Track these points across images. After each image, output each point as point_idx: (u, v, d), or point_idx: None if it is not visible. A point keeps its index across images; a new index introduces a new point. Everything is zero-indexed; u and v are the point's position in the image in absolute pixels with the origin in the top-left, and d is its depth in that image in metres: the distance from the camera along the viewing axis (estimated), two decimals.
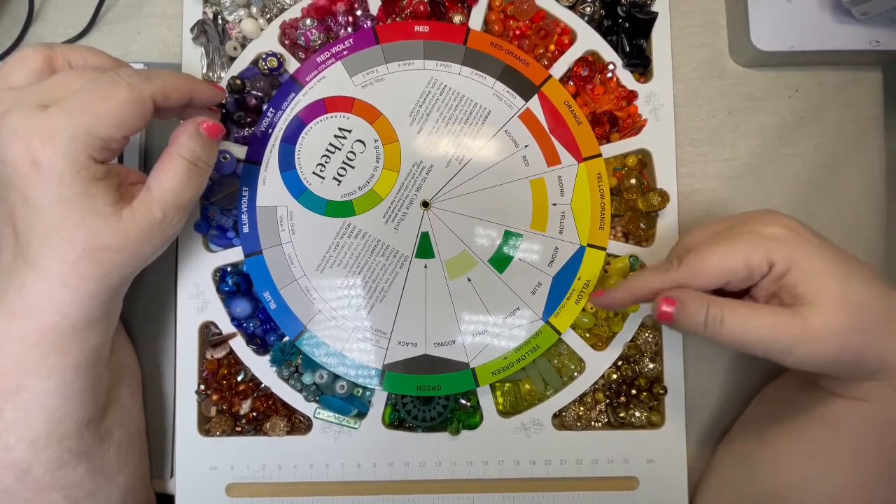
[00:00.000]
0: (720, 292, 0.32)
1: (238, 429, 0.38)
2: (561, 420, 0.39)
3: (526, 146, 0.39)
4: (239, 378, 0.39)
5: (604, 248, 0.39)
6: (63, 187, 0.27)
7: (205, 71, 0.40)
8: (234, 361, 0.39)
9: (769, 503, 0.34)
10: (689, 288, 0.31)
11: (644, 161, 0.40)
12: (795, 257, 0.30)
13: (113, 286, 0.31)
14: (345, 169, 0.38)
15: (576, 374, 0.39)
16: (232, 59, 0.39)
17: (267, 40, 0.39)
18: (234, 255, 0.38)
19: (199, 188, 0.32)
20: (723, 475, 0.38)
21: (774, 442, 0.35)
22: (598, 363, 0.39)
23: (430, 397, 0.38)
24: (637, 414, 0.39)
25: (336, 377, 0.38)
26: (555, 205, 0.39)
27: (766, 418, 0.36)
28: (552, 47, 0.40)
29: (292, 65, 0.39)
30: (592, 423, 0.39)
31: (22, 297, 0.29)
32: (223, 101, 0.37)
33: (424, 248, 0.38)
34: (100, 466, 0.33)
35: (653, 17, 0.40)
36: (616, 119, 0.40)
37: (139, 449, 0.37)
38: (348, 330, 0.38)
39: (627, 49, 0.40)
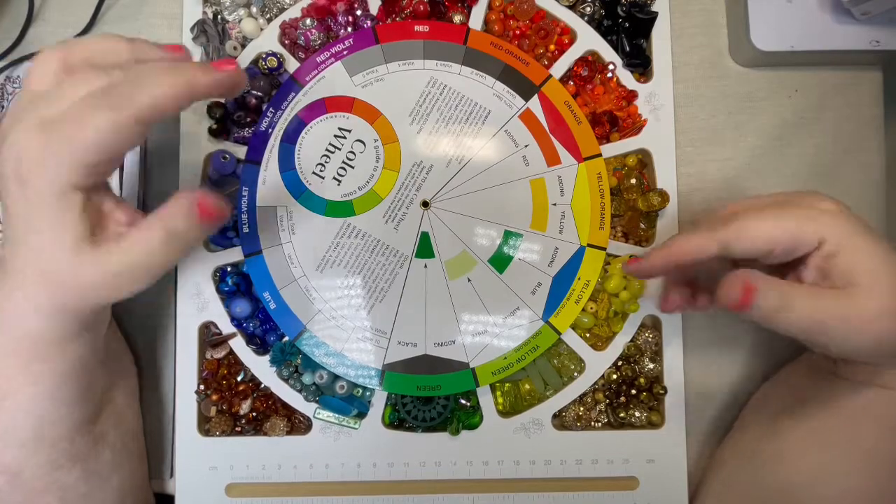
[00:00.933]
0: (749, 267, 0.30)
1: (238, 429, 0.38)
2: (561, 420, 0.39)
3: (526, 146, 0.39)
4: (239, 378, 0.39)
5: (604, 248, 0.38)
6: (37, 209, 0.27)
7: None
8: (233, 361, 0.39)
9: (779, 502, 0.34)
10: (730, 251, 0.29)
11: (644, 161, 0.40)
12: (847, 236, 0.29)
13: (74, 311, 0.29)
14: (345, 169, 0.38)
15: (576, 374, 0.39)
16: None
17: (267, 40, 0.39)
18: (234, 255, 0.38)
19: (173, 261, 0.29)
20: (726, 473, 0.37)
21: (783, 435, 0.34)
22: (598, 363, 0.39)
23: (430, 397, 0.38)
24: (637, 414, 0.39)
25: (336, 377, 0.38)
26: (555, 205, 0.39)
27: (774, 410, 0.36)
28: (552, 47, 0.40)
29: (292, 64, 0.39)
30: (592, 423, 0.39)
31: (0, 306, 0.29)
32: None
33: (424, 248, 0.38)
34: (94, 469, 0.33)
35: (653, 17, 0.40)
36: (616, 119, 0.40)
37: (135, 450, 0.37)
38: (348, 330, 0.38)
39: (627, 49, 0.40)
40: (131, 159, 0.39)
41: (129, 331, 0.39)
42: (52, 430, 0.31)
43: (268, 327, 0.38)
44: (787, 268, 0.31)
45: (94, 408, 0.33)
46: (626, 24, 0.40)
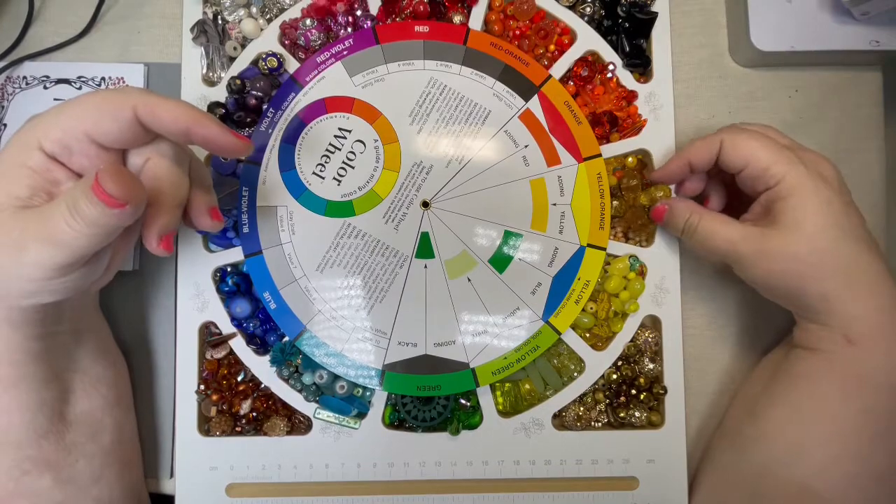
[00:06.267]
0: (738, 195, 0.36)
1: (238, 429, 0.38)
2: (561, 420, 0.39)
3: (526, 146, 0.39)
4: (239, 378, 0.39)
5: (604, 248, 0.38)
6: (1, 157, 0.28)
7: (204, 71, 0.40)
8: (234, 361, 0.39)
9: (761, 484, 0.34)
10: (724, 155, 0.34)
11: (644, 161, 0.40)
12: (804, 188, 0.32)
13: (9, 306, 0.28)
14: (345, 169, 0.38)
15: (576, 374, 0.39)
16: (232, 59, 0.39)
17: (267, 40, 0.39)
18: (234, 255, 0.38)
19: (83, 239, 0.27)
20: (716, 460, 0.38)
21: (762, 415, 0.35)
22: (598, 363, 0.39)
23: (430, 397, 0.38)
24: (637, 414, 0.39)
25: (336, 377, 0.38)
26: (555, 205, 0.39)
27: (754, 393, 0.37)
28: (552, 47, 0.40)
29: (292, 65, 0.39)
30: (592, 423, 0.39)
31: None
32: (244, 156, 0.32)
33: (424, 249, 0.38)
34: (68, 477, 0.33)
35: (653, 17, 0.40)
36: (616, 119, 0.40)
37: (120, 460, 0.36)
38: (348, 330, 0.38)
39: (627, 49, 0.40)
40: None
41: (129, 331, 0.39)
42: (11, 435, 0.31)
43: (268, 327, 0.38)
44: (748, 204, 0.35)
45: (56, 416, 0.32)
46: (626, 25, 0.40)
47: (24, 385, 0.30)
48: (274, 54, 0.39)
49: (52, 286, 0.28)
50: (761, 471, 0.34)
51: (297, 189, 0.38)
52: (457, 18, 0.40)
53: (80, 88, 0.40)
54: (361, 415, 0.38)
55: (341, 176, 0.38)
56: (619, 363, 0.39)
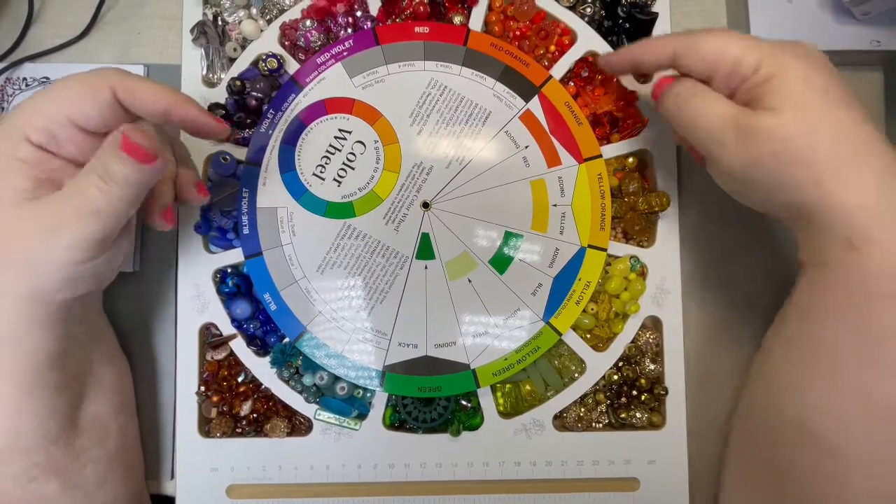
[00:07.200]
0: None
1: (238, 430, 0.38)
2: (562, 421, 0.39)
3: (526, 147, 0.39)
4: (239, 379, 0.39)
5: (604, 249, 0.38)
6: None
7: (204, 72, 0.40)
8: (234, 363, 0.39)
9: (766, 433, 0.31)
10: (682, 60, 0.31)
11: (644, 161, 0.40)
12: (787, 67, 0.28)
13: (29, 291, 0.28)
14: (345, 170, 0.38)
15: (576, 374, 0.39)
16: (232, 61, 0.39)
17: (267, 41, 0.39)
18: (235, 256, 0.38)
19: (118, 204, 0.28)
20: (736, 439, 0.35)
21: (769, 361, 0.32)
22: (599, 364, 0.39)
23: (431, 398, 0.38)
24: (638, 415, 0.39)
25: (336, 378, 0.38)
26: (555, 205, 0.39)
27: (762, 352, 0.34)
28: (552, 48, 0.40)
29: (292, 66, 0.39)
30: (593, 424, 0.39)
31: None
32: (223, 137, 0.33)
33: (425, 249, 0.38)
34: (76, 483, 0.32)
35: (653, 17, 0.40)
36: (616, 120, 0.39)
37: (124, 465, 0.36)
38: (348, 331, 0.38)
39: None
40: None
41: (129, 333, 0.39)
42: (21, 441, 0.30)
43: (268, 328, 0.38)
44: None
45: (67, 421, 0.32)
46: (627, 25, 0.40)
47: (37, 392, 0.30)
48: (274, 55, 0.39)
49: (84, 271, 0.29)
50: (765, 419, 0.32)
51: (298, 190, 0.38)
52: (457, 19, 0.40)
53: None
54: (362, 416, 0.38)
55: (341, 177, 0.38)
56: (620, 364, 0.39)
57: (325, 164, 0.38)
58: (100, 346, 0.35)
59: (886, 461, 0.27)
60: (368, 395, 0.38)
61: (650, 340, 0.39)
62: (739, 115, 0.29)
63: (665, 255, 0.39)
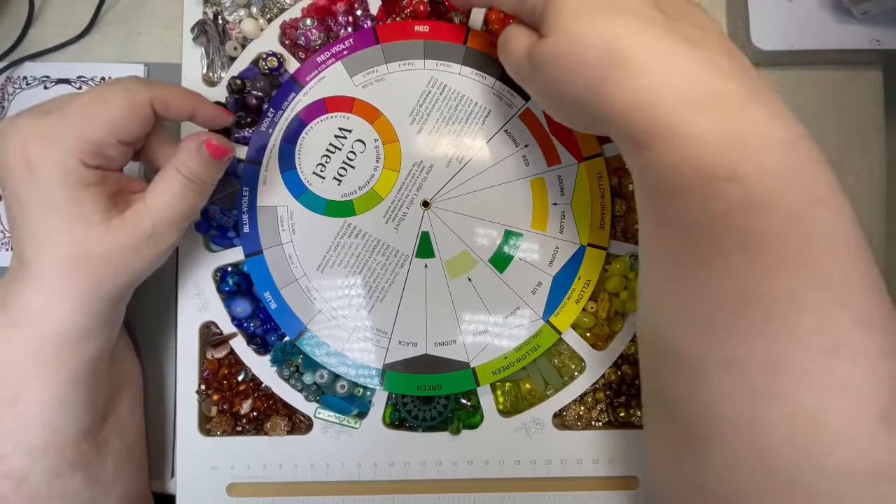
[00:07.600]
0: None
1: (239, 428, 0.38)
2: (561, 419, 0.39)
3: (526, 146, 0.39)
4: (239, 378, 0.39)
5: (604, 248, 0.39)
6: (50, 190, 0.27)
7: (205, 71, 0.40)
8: (234, 361, 0.39)
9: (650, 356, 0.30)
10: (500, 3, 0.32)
11: None
12: None
13: (105, 297, 0.30)
14: (345, 169, 0.38)
15: (576, 373, 0.39)
16: (232, 60, 0.39)
17: (267, 40, 0.39)
18: (235, 254, 0.38)
19: (196, 205, 0.32)
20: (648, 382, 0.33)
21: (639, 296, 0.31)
22: (599, 362, 0.39)
23: (431, 397, 0.38)
24: (638, 413, 0.39)
25: (336, 377, 0.38)
26: (555, 204, 0.39)
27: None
28: None
29: (292, 65, 0.39)
30: (593, 422, 0.39)
31: (20, 304, 0.29)
32: (227, 125, 0.36)
33: (425, 248, 0.38)
34: (97, 476, 0.33)
35: None
36: None
37: (138, 458, 0.36)
38: (349, 330, 0.38)
39: None
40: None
41: (130, 331, 0.39)
42: (58, 436, 0.30)
43: (268, 327, 0.38)
44: None
45: (100, 415, 0.33)
46: None
47: (80, 385, 0.30)
48: (274, 54, 0.39)
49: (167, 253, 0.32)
50: (643, 349, 0.31)
51: (298, 189, 0.38)
52: (457, 18, 0.40)
53: (80, 88, 0.40)
54: (362, 414, 0.38)
55: (342, 176, 0.38)
56: (620, 363, 0.39)
57: (326, 162, 0.38)
58: (123, 336, 0.35)
59: (741, 359, 0.24)
60: (368, 393, 0.38)
61: None
62: (531, 45, 0.29)
63: None
